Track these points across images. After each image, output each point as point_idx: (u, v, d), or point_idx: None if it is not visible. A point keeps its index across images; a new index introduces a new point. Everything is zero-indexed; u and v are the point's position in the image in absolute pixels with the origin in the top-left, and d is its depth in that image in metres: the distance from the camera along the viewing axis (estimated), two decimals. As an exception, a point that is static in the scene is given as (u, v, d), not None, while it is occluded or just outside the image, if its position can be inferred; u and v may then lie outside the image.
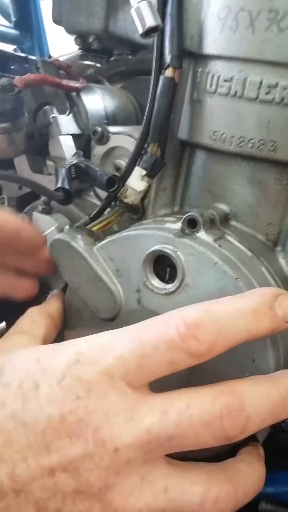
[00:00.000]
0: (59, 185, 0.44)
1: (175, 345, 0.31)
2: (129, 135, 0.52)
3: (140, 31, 0.39)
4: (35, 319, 0.43)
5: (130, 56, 0.60)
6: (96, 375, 0.31)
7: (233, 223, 0.44)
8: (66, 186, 0.44)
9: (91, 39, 0.54)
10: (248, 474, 0.34)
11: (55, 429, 0.30)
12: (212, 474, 0.33)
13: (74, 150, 0.54)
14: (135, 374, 0.31)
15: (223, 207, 0.44)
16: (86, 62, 0.68)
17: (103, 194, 0.54)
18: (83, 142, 0.56)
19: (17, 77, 0.50)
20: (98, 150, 0.54)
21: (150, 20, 0.38)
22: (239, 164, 0.42)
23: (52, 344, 0.35)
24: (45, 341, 0.42)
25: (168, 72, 0.41)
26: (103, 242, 0.43)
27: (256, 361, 0.38)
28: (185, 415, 0.31)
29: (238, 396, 0.31)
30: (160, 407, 0.31)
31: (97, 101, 0.59)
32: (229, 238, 0.41)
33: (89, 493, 0.30)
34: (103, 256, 0.42)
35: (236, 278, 0.37)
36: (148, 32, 0.39)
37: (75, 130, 0.56)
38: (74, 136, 0.56)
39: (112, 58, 0.62)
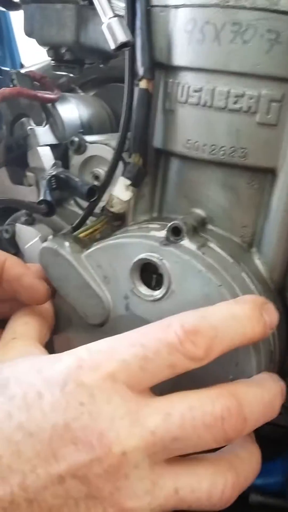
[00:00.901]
0: (41, 198, 0.45)
1: (176, 349, 0.32)
2: (106, 144, 0.53)
3: (112, 46, 0.40)
4: (27, 320, 0.43)
5: (101, 65, 0.61)
6: (99, 380, 0.32)
7: (209, 227, 0.46)
8: (48, 198, 0.45)
9: (63, 51, 0.55)
10: (247, 458, 0.36)
11: (61, 437, 0.31)
12: (216, 466, 0.34)
13: (52, 160, 0.55)
14: (137, 378, 0.32)
15: (200, 212, 0.46)
16: (55, 73, 0.69)
17: (84, 203, 0.55)
18: (60, 151, 0.57)
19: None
20: (76, 160, 0.55)
21: (122, 36, 0.39)
22: (212, 170, 0.44)
23: (51, 355, 0.36)
24: (41, 341, 0.42)
25: (142, 84, 0.43)
26: (91, 249, 0.44)
27: (239, 365, 0.40)
28: (188, 417, 0.32)
29: (236, 399, 0.33)
30: (163, 409, 0.32)
31: (72, 111, 0.60)
32: (211, 245, 0.43)
33: (101, 498, 0.31)
34: (91, 263, 0.44)
35: (220, 285, 0.39)
36: (120, 47, 0.40)
37: (52, 140, 0.57)
38: (52, 146, 0.57)
39: (84, 67, 0.63)
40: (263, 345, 0.41)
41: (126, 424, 0.31)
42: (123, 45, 0.40)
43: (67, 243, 0.45)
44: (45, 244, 0.45)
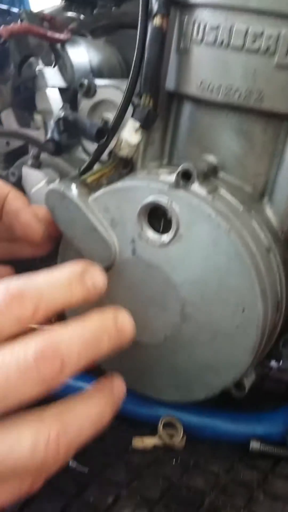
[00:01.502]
0: (48, 137, 0.44)
1: (3, 311, 0.32)
2: (117, 88, 0.52)
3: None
4: None
5: (114, 8, 0.59)
6: None
7: (221, 174, 0.44)
8: (56, 137, 0.44)
9: (75, -11, 0.52)
10: (83, 411, 0.35)
11: None
12: (40, 417, 0.32)
13: (61, 104, 0.54)
14: None
15: (212, 158, 0.44)
16: (69, 15, 0.67)
17: (91, 149, 0.54)
18: (68, 95, 0.56)
19: (1, 27, 0.48)
20: (85, 104, 0.53)
21: None
22: (226, 114, 0.43)
23: None
24: None
25: (157, 20, 0.41)
26: (98, 193, 0.43)
27: (245, 311, 0.39)
28: (0, 371, 0.30)
29: (50, 341, 0.32)
30: None
31: (82, 54, 0.58)
32: (221, 191, 0.42)
33: None
34: (98, 206, 0.43)
35: (229, 230, 0.38)
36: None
37: (61, 83, 0.55)
38: (60, 89, 0.55)
39: (95, 11, 0.60)
40: (270, 294, 0.41)
41: None
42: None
43: (74, 186, 0.44)
44: (51, 186, 0.44)
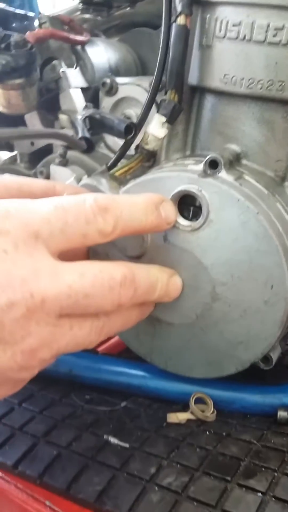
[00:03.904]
0: (80, 135, 0.45)
1: (91, 220, 0.34)
2: (138, 85, 0.53)
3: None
4: None
5: (128, 8, 0.60)
6: (24, 233, 0.32)
7: (244, 162, 0.46)
8: (87, 135, 0.46)
9: (94, -8, 0.54)
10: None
11: None
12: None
13: (84, 103, 0.55)
14: (56, 239, 0.33)
15: (235, 147, 0.46)
16: (83, 16, 0.68)
17: (113, 145, 0.56)
18: (90, 95, 0.57)
19: (28, 32, 0.50)
20: (107, 102, 0.55)
21: None
22: (248, 105, 0.44)
23: None
24: None
25: (180, 20, 0.43)
26: (129, 185, 0.44)
27: (274, 287, 0.41)
28: (98, 278, 0.34)
29: (131, 272, 0.37)
30: (78, 269, 0.34)
31: (100, 54, 0.59)
32: (246, 177, 0.43)
33: (12, 342, 0.31)
34: (130, 198, 0.44)
35: (258, 213, 0.40)
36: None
37: (83, 83, 0.57)
38: (82, 89, 0.57)
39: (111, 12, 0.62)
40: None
41: (47, 275, 0.32)
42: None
43: (104, 180, 0.46)
44: (84, 182, 0.46)
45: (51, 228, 0.33)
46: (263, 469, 0.41)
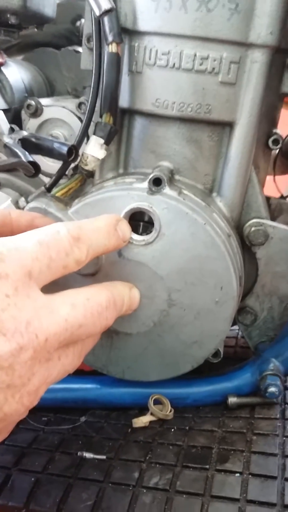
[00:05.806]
0: (29, 159, 0.45)
1: (69, 252, 0.36)
2: (63, 107, 0.54)
3: (97, 13, 0.41)
4: None
5: (36, 30, 0.61)
6: (21, 275, 0.32)
7: (177, 177, 0.50)
8: (31, 159, 0.45)
9: (8, 15, 0.53)
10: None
11: None
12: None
13: (7, 125, 0.54)
14: (44, 275, 0.34)
15: (168, 164, 0.50)
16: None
17: (45, 166, 0.56)
18: (10, 116, 0.57)
19: None
20: (32, 123, 0.55)
21: (106, 3, 0.41)
22: (178, 125, 0.48)
23: None
24: None
25: (112, 48, 0.45)
26: (78, 205, 0.45)
27: (223, 288, 0.46)
28: (88, 307, 0.36)
29: (111, 293, 0.39)
30: (67, 300, 0.35)
31: (15, 75, 0.59)
32: (185, 191, 0.47)
33: (20, 385, 0.31)
34: (79, 218, 0.45)
35: (205, 224, 0.44)
36: (104, 14, 0.41)
37: (3, 105, 0.56)
38: (3, 110, 0.56)
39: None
40: (237, 271, 0.47)
41: (46, 314, 0.33)
42: (106, 12, 0.41)
43: (52, 202, 0.46)
44: (32, 205, 0.46)
45: (40, 265, 0.33)
46: (233, 452, 0.46)
